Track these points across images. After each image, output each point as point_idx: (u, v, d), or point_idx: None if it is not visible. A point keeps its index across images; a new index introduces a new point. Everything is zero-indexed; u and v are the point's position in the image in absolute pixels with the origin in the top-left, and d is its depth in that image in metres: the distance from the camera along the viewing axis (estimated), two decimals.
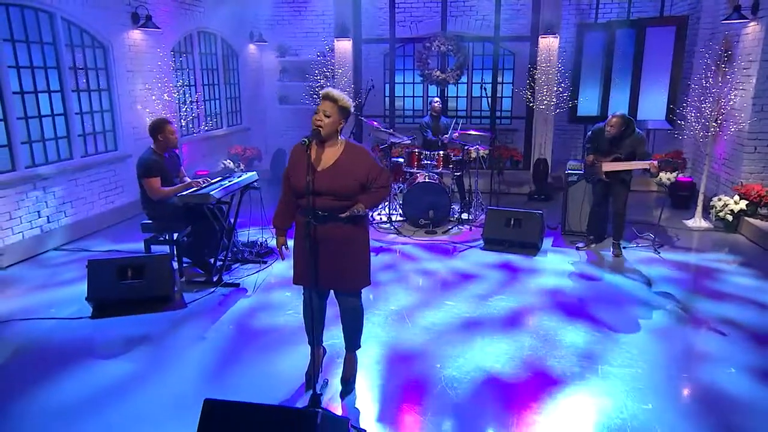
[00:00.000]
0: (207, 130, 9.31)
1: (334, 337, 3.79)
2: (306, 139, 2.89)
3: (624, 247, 6.01)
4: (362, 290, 3.34)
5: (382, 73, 10.52)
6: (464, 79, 9.86)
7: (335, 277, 3.18)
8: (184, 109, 7.93)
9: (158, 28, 7.33)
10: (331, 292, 3.35)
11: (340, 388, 3.38)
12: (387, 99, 9.94)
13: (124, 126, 7.20)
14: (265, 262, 5.56)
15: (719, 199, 6.79)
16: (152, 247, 5.07)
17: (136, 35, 7.29)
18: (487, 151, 7.60)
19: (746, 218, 6.58)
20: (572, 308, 4.57)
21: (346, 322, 3.39)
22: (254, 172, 5.56)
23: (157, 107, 7.51)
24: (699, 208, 7.00)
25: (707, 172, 7.12)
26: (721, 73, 7.10)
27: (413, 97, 10.93)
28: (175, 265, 4.94)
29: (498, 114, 9.83)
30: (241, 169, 9.20)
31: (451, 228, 6.83)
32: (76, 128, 6.46)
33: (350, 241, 3.15)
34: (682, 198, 7.83)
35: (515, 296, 4.81)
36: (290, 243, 3.28)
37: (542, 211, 6.25)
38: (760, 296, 4.82)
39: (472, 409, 3.19)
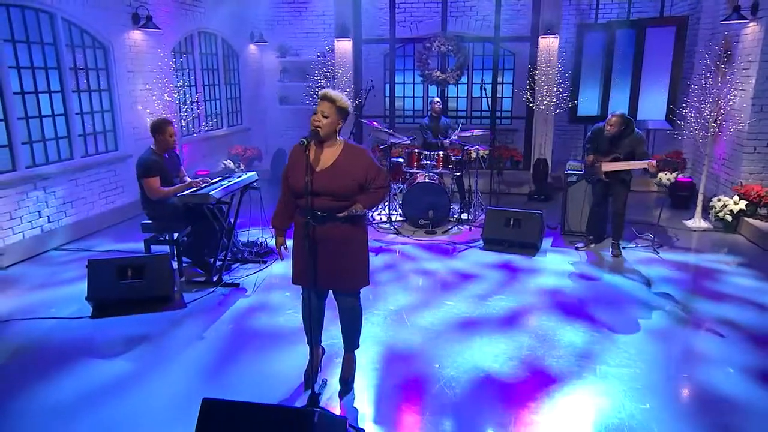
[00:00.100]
0: (207, 131, 9.32)
1: (333, 337, 3.80)
2: (304, 140, 2.90)
3: (623, 248, 6.02)
4: (361, 290, 3.35)
5: (382, 73, 10.52)
6: (464, 79, 9.87)
7: (334, 277, 3.19)
8: (184, 110, 7.95)
9: (159, 28, 7.35)
10: (330, 292, 3.36)
11: (338, 387, 3.39)
12: (387, 99, 9.95)
13: (124, 126, 7.22)
14: (265, 262, 5.57)
15: (719, 200, 6.79)
16: (152, 247, 5.08)
17: (137, 35, 7.31)
18: (487, 152, 7.61)
19: (746, 218, 6.58)
20: (571, 308, 4.58)
21: (344, 322, 3.40)
22: (254, 172, 5.57)
23: (158, 107, 7.52)
24: (698, 209, 7.01)
25: (707, 172, 7.13)
26: (721, 73, 7.11)
27: (413, 97, 10.94)
28: (175, 265, 4.95)
29: (498, 114, 9.83)
30: (242, 169, 9.21)
31: (451, 228, 6.84)
32: (76, 128, 6.48)
33: (349, 241, 3.16)
34: (682, 198, 7.83)
35: (514, 296, 4.82)
36: (289, 243, 3.29)
37: (542, 212, 6.26)
38: (759, 297, 4.83)
39: (470, 409, 3.19)
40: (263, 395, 3.28)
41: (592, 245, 6.13)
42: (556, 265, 5.62)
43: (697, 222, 6.93)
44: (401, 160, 7.27)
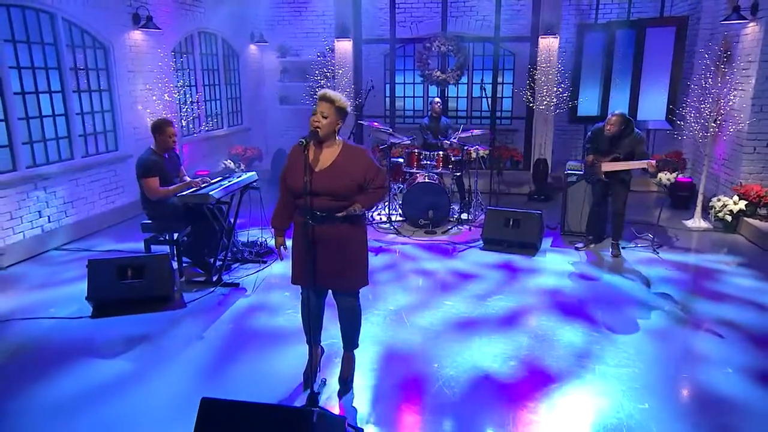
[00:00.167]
0: (208, 131, 9.33)
1: (332, 336, 3.80)
2: (303, 140, 2.91)
3: (623, 248, 6.02)
4: (360, 290, 3.35)
5: (382, 73, 10.53)
6: (464, 79, 9.87)
7: (333, 277, 3.19)
8: (184, 110, 7.96)
9: (159, 28, 7.36)
10: (330, 291, 3.37)
11: (337, 387, 3.40)
12: (387, 99, 9.95)
13: (124, 126, 7.23)
14: (265, 262, 5.58)
15: (718, 200, 6.79)
16: (152, 246, 5.09)
17: (137, 36, 7.32)
18: (487, 152, 7.61)
19: (745, 218, 6.58)
20: (570, 308, 4.59)
21: (344, 321, 3.41)
22: (254, 172, 5.58)
23: (158, 107, 7.53)
24: (698, 209, 7.01)
25: (706, 172, 7.13)
26: (721, 73, 7.11)
27: (413, 97, 10.94)
28: (175, 264, 4.96)
29: (498, 114, 9.84)
30: (242, 169, 9.22)
31: (451, 228, 6.84)
32: (76, 128, 6.49)
33: (348, 241, 3.17)
34: (682, 198, 7.83)
35: (514, 296, 4.83)
36: (289, 243, 3.29)
37: (541, 212, 6.26)
38: (758, 297, 4.83)
39: (469, 409, 3.20)
40: (262, 395, 3.29)
41: (592, 245, 6.14)
42: (556, 265, 5.62)
43: (696, 222, 6.93)
44: (401, 160, 7.27)
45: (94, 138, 6.85)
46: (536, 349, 3.89)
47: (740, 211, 6.57)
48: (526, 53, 9.25)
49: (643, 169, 5.77)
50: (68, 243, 6.26)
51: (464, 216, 7.15)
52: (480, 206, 7.42)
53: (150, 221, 5.09)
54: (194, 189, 4.94)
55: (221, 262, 5.20)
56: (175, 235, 5.05)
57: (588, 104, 9.21)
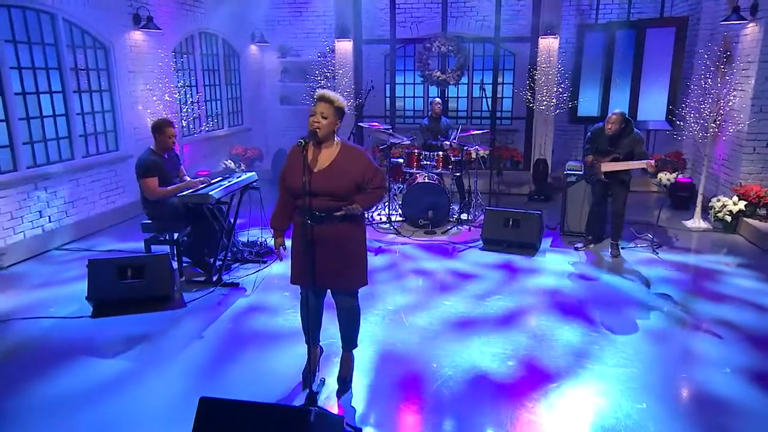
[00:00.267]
0: (208, 131, 9.35)
1: (331, 336, 3.81)
2: (302, 140, 2.92)
3: (623, 248, 6.03)
4: (359, 290, 3.36)
5: (382, 73, 10.54)
6: (464, 79, 9.88)
7: (332, 277, 3.20)
8: (185, 110, 7.97)
9: (159, 29, 7.38)
10: (329, 291, 3.38)
11: (336, 386, 3.41)
12: (387, 99, 9.96)
13: (125, 126, 7.25)
14: (265, 262, 5.59)
15: (718, 200, 6.79)
16: (153, 246, 5.11)
17: (138, 36, 7.33)
18: (487, 152, 7.61)
19: (745, 219, 6.58)
20: (569, 308, 4.59)
21: (343, 321, 3.42)
22: (254, 173, 5.59)
23: (158, 108, 7.55)
24: (698, 209, 7.01)
25: (706, 172, 7.13)
26: (721, 74, 7.11)
27: (414, 97, 10.96)
28: (175, 264, 4.97)
29: (498, 114, 9.85)
30: (242, 170, 9.23)
31: (451, 228, 6.85)
32: (77, 128, 6.50)
33: (347, 240, 3.18)
34: (682, 199, 7.83)
35: (513, 296, 4.84)
36: (288, 243, 3.30)
37: (541, 212, 6.26)
38: (758, 298, 4.83)
39: (467, 408, 3.21)
40: (262, 394, 3.30)
41: (591, 245, 6.14)
42: (555, 266, 5.63)
43: (696, 222, 6.94)
44: (401, 160, 7.28)
45: (95, 138, 6.87)
46: (535, 349, 3.90)
47: (740, 211, 6.58)
48: (526, 53, 9.25)
49: (643, 169, 5.78)
50: (69, 243, 6.28)
51: (464, 216, 7.16)
52: (480, 206, 7.43)
53: (150, 221, 5.11)
54: (194, 189, 4.95)
55: (221, 262, 5.21)
56: (175, 235, 5.06)
57: (588, 104, 9.21)
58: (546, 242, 6.31)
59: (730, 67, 7.15)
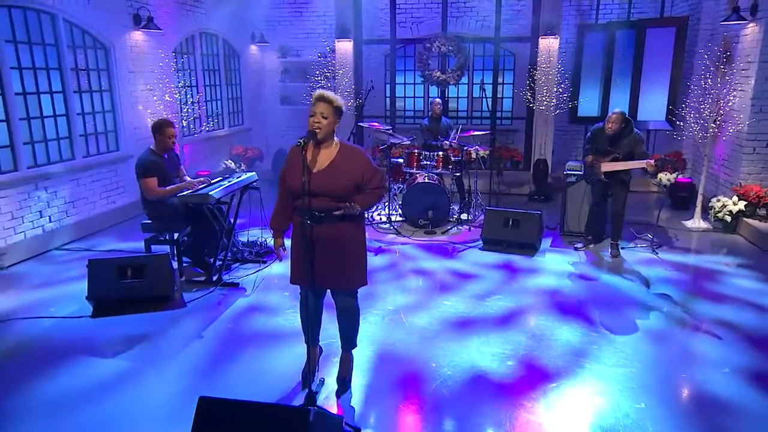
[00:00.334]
0: (209, 131, 9.36)
1: (330, 336, 3.82)
2: (301, 141, 2.93)
3: (623, 248, 6.03)
4: (359, 290, 3.37)
5: (382, 73, 10.55)
6: (465, 79, 9.88)
7: (332, 277, 3.21)
8: (185, 110, 7.98)
9: (160, 29, 7.39)
10: (329, 291, 3.39)
11: (336, 386, 3.41)
12: (388, 100, 9.97)
13: (125, 126, 7.26)
14: (265, 262, 5.60)
15: (718, 200, 6.79)
16: (153, 246, 5.12)
17: (138, 36, 7.34)
18: (487, 152, 7.60)
19: (745, 219, 6.58)
20: (569, 308, 4.60)
21: (342, 321, 3.42)
22: (254, 173, 5.60)
23: (159, 108, 7.56)
24: (698, 209, 7.01)
25: (706, 172, 7.13)
26: (721, 74, 7.11)
27: (414, 97, 10.97)
28: (175, 264, 4.97)
29: (498, 114, 9.85)
30: (243, 170, 9.24)
31: (451, 228, 6.85)
32: (77, 129, 6.51)
33: (347, 240, 3.18)
34: (682, 199, 7.83)
35: (513, 296, 4.84)
36: (288, 243, 3.31)
37: (541, 212, 6.27)
38: (757, 298, 4.83)
39: (466, 408, 3.21)
40: (261, 394, 3.30)
41: (591, 245, 6.15)
42: (555, 266, 5.63)
43: (696, 222, 6.94)
44: (401, 160, 7.29)
45: (95, 138, 6.88)
46: (534, 349, 3.90)
47: (740, 211, 6.58)
48: (526, 53, 9.26)
49: (643, 169, 5.78)
50: (69, 243, 6.29)
51: (464, 216, 7.17)
52: (480, 206, 7.43)
53: (150, 221, 5.11)
54: (193, 189, 4.96)
55: (221, 262, 5.22)
56: (176, 235, 5.07)
57: (588, 105, 9.21)
58: (546, 242, 6.31)
59: (730, 67, 7.15)
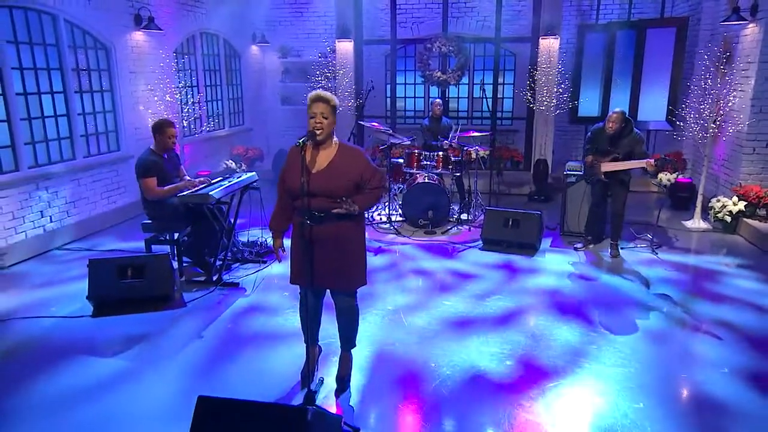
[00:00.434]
0: (209, 131, 9.37)
1: (330, 336, 3.82)
2: (300, 141, 2.93)
3: (622, 248, 6.03)
4: (359, 290, 3.38)
5: (383, 74, 10.57)
6: (465, 80, 9.88)
7: (331, 277, 3.22)
8: (186, 110, 8.00)
9: (160, 29, 7.41)
10: (328, 291, 3.40)
11: (335, 386, 3.42)
12: (388, 100, 9.98)
13: (126, 127, 7.27)
14: (265, 262, 5.61)
15: (718, 200, 6.79)
16: (153, 246, 5.13)
17: (139, 37, 7.36)
18: (487, 152, 7.60)
19: (745, 219, 6.58)
20: (568, 308, 4.60)
21: (341, 321, 3.43)
22: (254, 173, 5.61)
23: (160, 108, 7.57)
24: (698, 209, 7.01)
25: (706, 173, 7.14)
26: (721, 74, 7.12)
27: (414, 97, 10.98)
28: (175, 264, 4.99)
29: (499, 115, 9.86)
30: (243, 170, 9.26)
31: (451, 228, 6.86)
32: (78, 129, 6.53)
33: (346, 240, 3.19)
34: (682, 199, 7.84)
35: (512, 296, 4.85)
36: (288, 243, 3.32)
37: (541, 212, 6.27)
38: (757, 298, 4.83)
39: (465, 408, 3.22)
40: (260, 393, 3.31)
41: (591, 246, 6.15)
42: (555, 266, 5.64)
43: (696, 223, 6.94)
44: (401, 160, 7.30)
45: (96, 138, 6.90)
46: (533, 349, 3.91)
47: (740, 211, 6.58)
48: (526, 54, 9.26)
49: (643, 168, 5.78)
50: (70, 242, 6.31)
51: (464, 216, 7.17)
52: (480, 206, 7.44)
53: (150, 221, 5.13)
54: (193, 189, 4.97)
55: (221, 262, 5.23)
56: (176, 235, 5.08)
57: (588, 105, 9.21)
58: (546, 242, 6.32)
59: (730, 67, 7.16)
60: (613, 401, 3.29)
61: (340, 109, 9.37)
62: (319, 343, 3.67)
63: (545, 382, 3.49)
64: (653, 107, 8.69)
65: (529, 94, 8.89)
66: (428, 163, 6.94)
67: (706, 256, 6.01)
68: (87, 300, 4.47)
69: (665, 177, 7.78)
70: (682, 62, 8.38)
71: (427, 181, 6.74)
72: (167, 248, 5.31)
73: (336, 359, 3.57)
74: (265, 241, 5.93)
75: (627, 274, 5.44)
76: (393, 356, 3.81)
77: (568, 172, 6.52)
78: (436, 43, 9.16)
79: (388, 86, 10.13)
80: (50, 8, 6.03)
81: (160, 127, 4.99)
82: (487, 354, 3.83)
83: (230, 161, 9.56)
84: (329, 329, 3.78)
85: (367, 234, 3.51)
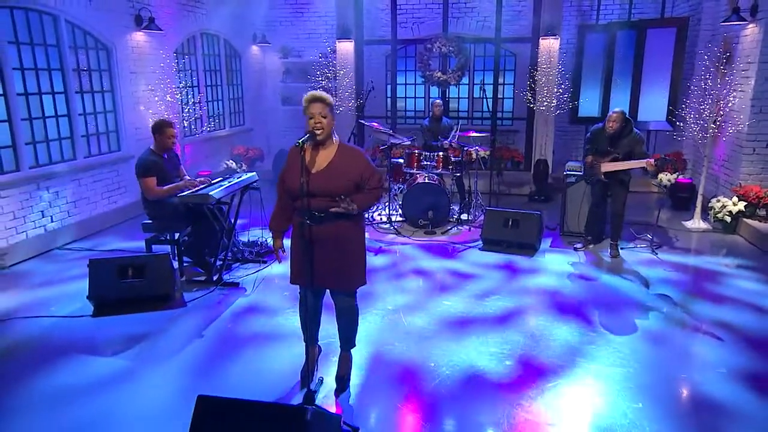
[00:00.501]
0: (210, 131, 9.39)
1: (329, 335, 3.83)
2: (299, 142, 2.94)
3: (622, 248, 6.04)
4: (358, 289, 3.39)
5: (383, 74, 10.58)
6: (465, 80, 9.90)
7: (331, 277, 3.23)
8: (186, 110, 8.01)
9: (161, 30, 7.42)
10: (328, 291, 3.40)
11: (334, 386, 3.43)
12: (389, 100, 9.99)
13: (127, 127, 7.29)
14: (265, 262, 5.62)
15: (718, 201, 6.80)
16: (154, 246, 5.14)
17: (139, 37, 7.37)
18: (487, 152, 7.60)
19: (744, 219, 6.59)
20: (568, 308, 4.61)
21: (341, 321, 3.44)
22: (254, 173, 5.62)
23: (160, 108, 7.59)
24: (698, 210, 7.02)
25: (706, 173, 7.14)
26: (721, 74, 7.12)
27: (414, 98, 10.99)
28: (176, 264, 5.00)
29: (499, 115, 9.86)
30: (244, 170, 9.27)
31: (451, 228, 6.87)
32: (79, 129, 6.55)
33: (346, 240, 3.20)
34: (682, 199, 7.84)
35: (512, 296, 4.85)
36: (288, 243, 3.32)
37: (541, 212, 6.28)
38: (757, 299, 4.83)
39: (464, 407, 3.23)
40: (260, 393, 3.32)
41: (591, 246, 6.16)
42: (555, 266, 5.64)
43: (696, 223, 6.94)
44: (401, 160, 7.30)
45: (97, 138, 6.91)
46: (532, 349, 3.92)
47: (739, 212, 6.58)
48: (527, 54, 9.27)
49: (643, 168, 5.78)
50: (71, 242, 6.32)
51: (464, 216, 7.18)
52: (480, 207, 7.44)
53: (151, 221, 5.14)
54: (194, 189, 4.99)
55: (221, 262, 5.24)
56: (176, 235, 5.09)
57: (589, 105, 9.21)
58: (546, 242, 6.32)
59: (730, 67, 7.16)
60: (612, 401, 3.30)
61: (341, 109, 9.41)
62: (318, 342, 3.68)
63: (544, 382, 3.50)
64: (653, 107, 8.69)
65: (529, 95, 8.90)
66: (428, 163, 6.95)
67: (705, 256, 6.01)
68: (87, 300, 4.48)
69: (665, 177, 7.78)
70: (683, 62, 8.38)
71: (427, 181, 6.75)
72: (168, 248, 5.32)
73: (335, 359, 3.58)
74: (266, 241, 5.94)
75: (627, 274, 5.44)
76: (392, 356, 3.82)
77: (568, 173, 6.53)
78: (436, 44, 9.17)
79: (389, 86, 10.15)
80: (51, 9, 6.05)
81: (160, 128, 5.00)
82: (486, 354, 3.84)
83: (231, 161, 9.58)
84: (329, 329, 3.79)
85: (367, 234, 3.52)
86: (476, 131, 7.56)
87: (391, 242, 6.42)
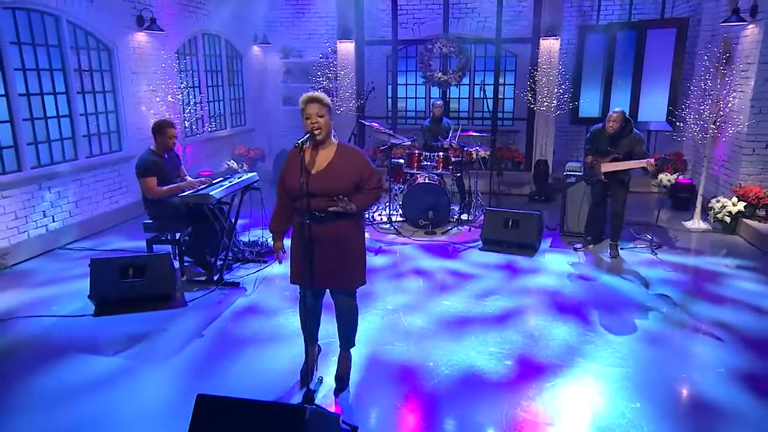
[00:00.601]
0: (211, 131, 9.41)
1: (329, 335, 3.85)
2: (299, 142, 2.96)
3: (622, 249, 6.05)
4: (358, 289, 3.40)
5: (384, 74, 10.59)
6: (466, 80, 9.91)
7: (331, 276, 3.24)
8: (188, 111, 8.03)
9: (162, 30, 7.44)
10: (328, 290, 3.42)
11: (334, 385, 3.45)
12: (389, 100, 10.00)
13: (128, 127, 7.31)
14: (265, 262, 5.64)
15: (717, 201, 6.80)
16: (155, 246, 5.16)
17: (141, 37, 7.40)
18: (487, 152, 7.61)
19: (744, 220, 6.59)
20: (567, 308, 4.62)
21: (341, 320, 3.46)
22: (254, 173, 5.64)
23: (161, 108, 7.61)
24: (698, 210, 7.02)
25: (706, 173, 7.15)
26: (720, 75, 7.12)
27: (415, 98, 11.00)
28: (176, 264, 5.02)
29: (500, 115, 9.87)
30: (245, 170, 9.29)
31: (451, 228, 6.88)
32: (81, 129, 6.57)
33: (346, 240, 3.21)
34: (682, 199, 7.85)
35: (511, 296, 4.87)
36: (288, 242, 3.34)
37: (541, 212, 6.29)
38: (756, 300, 4.83)
39: (464, 407, 3.24)
40: (260, 392, 3.34)
41: (591, 246, 6.17)
42: (555, 266, 5.65)
43: (696, 223, 6.95)
44: (402, 161, 7.32)
45: (98, 138, 6.94)
46: (532, 349, 3.93)
47: (739, 212, 6.58)
48: (527, 54, 9.28)
49: (643, 169, 5.79)
50: (72, 242, 6.34)
51: (464, 216, 7.19)
52: (480, 207, 7.46)
53: (151, 221, 5.16)
54: (194, 189, 5.01)
55: (222, 262, 5.26)
56: (177, 235, 5.11)
57: (589, 105, 9.22)
58: (545, 243, 6.33)
59: (730, 68, 7.17)
60: (611, 401, 3.31)
61: (342, 110, 9.42)
62: (318, 342, 3.69)
63: (543, 382, 3.51)
64: (653, 108, 8.70)
65: (529, 95, 8.91)
66: (429, 163, 6.96)
67: (705, 256, 6.02)
68: (88, 299, 4.50)
69: (665, 177, 7.77)
70: (683, 63, 8.38)
71: (427, 181, 6.76)
72: (168, 248, 5.35)
73: (335, 358, 3.59)
74: (266, 241, 5.96)
75: (626, 274, 5.45)
76: (392, 356, 3.84)
77: (568, 173, 6.54)
78: (437, 44, 9.18)
79: (389, 87, 10.16)
80: (53, 9, 6.07)
81: (160, 128, 5.02)
82: (485, 354, 3.86)
83: (232, 161, 9.60)
84: (328, 329, 3.81)
85: (367, 234, 3.54)
86: (476, 131, 7.57)
87: (391, 242, 6.43)
